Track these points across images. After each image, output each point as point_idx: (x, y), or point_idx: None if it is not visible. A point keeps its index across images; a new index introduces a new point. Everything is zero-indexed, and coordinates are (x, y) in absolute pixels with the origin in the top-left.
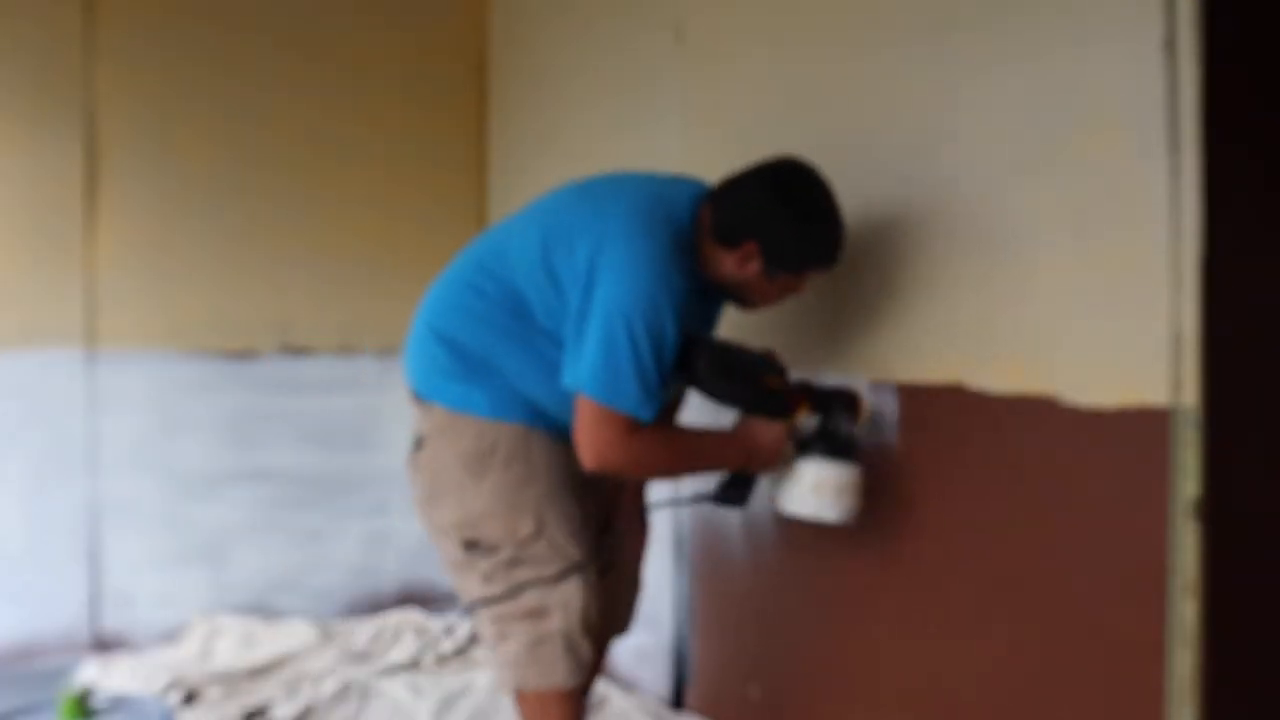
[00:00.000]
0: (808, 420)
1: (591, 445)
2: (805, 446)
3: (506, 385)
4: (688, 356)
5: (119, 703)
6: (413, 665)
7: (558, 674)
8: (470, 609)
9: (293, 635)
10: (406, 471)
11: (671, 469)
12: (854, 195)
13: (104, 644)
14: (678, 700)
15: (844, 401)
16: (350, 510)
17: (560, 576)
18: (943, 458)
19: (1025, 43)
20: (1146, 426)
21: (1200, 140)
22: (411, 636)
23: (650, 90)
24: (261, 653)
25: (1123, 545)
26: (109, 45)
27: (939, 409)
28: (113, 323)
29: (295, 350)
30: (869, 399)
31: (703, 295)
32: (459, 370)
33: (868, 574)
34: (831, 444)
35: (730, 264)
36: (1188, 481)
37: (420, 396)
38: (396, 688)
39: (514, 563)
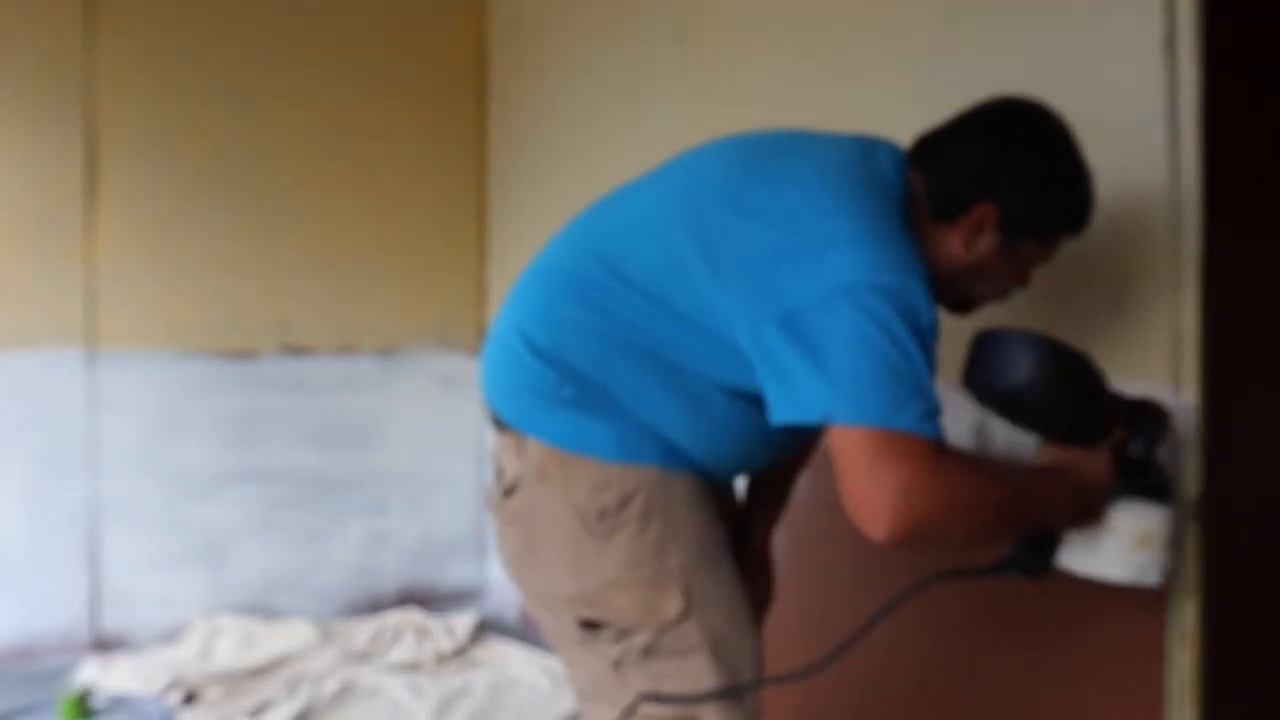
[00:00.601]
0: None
1: (885, 495)
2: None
3: (632, 417)
4: (1008, 358)
5: (119, 703)
6: (413, 665)
7: None
8: (582, 692)
9: (293, 635)
10: (493, 519)
11: (997, 521)
12: None
13: (104, 644)
14: None
15: (1156, 418)
16: (350, 510)
17: (718, 681)
18: None
19: (1025, 42)
20: None
21: (1200, 140)
22: (412, 637)
23: (650, 92)
24: (261, 653)
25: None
26: (108, 45)
27: None
28: (113, 323)
29: (295, 350)
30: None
31: None
32: (571, 396)
33: (867, 571)
34: (1150, 479)
35: (956, 243)
36: (1188, 481)
37: (509, 425)
38: (397, 688)
39: (652, 651)
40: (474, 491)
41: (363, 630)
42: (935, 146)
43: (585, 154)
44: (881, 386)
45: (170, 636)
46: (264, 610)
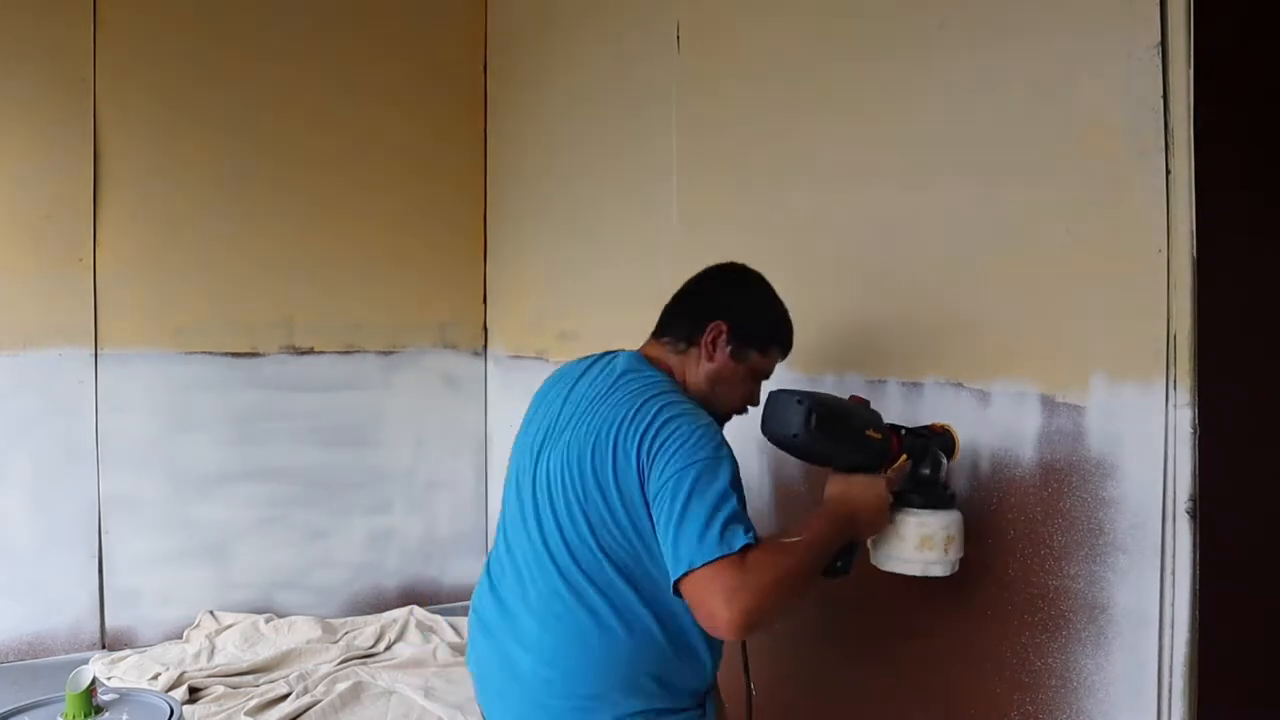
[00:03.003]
0: (904, 467)
1: (725, 609)
2: (901, 496)
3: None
4: (785, 414)
5: (124, 698)
6: (418, 663)
7: None
8: None
9: (296, 632)
10: None
11: (802, 581)
12: (853, 197)
13: (110, 640)
14: None
15: (939, 441)
16: (353, 508)
17: None
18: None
19: (1021, 44)
20: (1141, 425)
21: (1191, 141)
22: (415, 634)
23: (647, 96)
24: (265, 649)
25: (1120, 543)
26: (116, 57)
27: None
28: (121, 324)
29: (299, 350)
30: (959, 431)
31: None
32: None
33: (865, 571)
34: (931, 492)
35: (700, 359)
36: (1182, 480)
37: None
38: (400, 685)
39: None
40: (475, 490)
41: (366, 627)
42: (671, 307)
43: (584, 157)
44: (712, 523)
45: (175, 633)
46: (268, 607)
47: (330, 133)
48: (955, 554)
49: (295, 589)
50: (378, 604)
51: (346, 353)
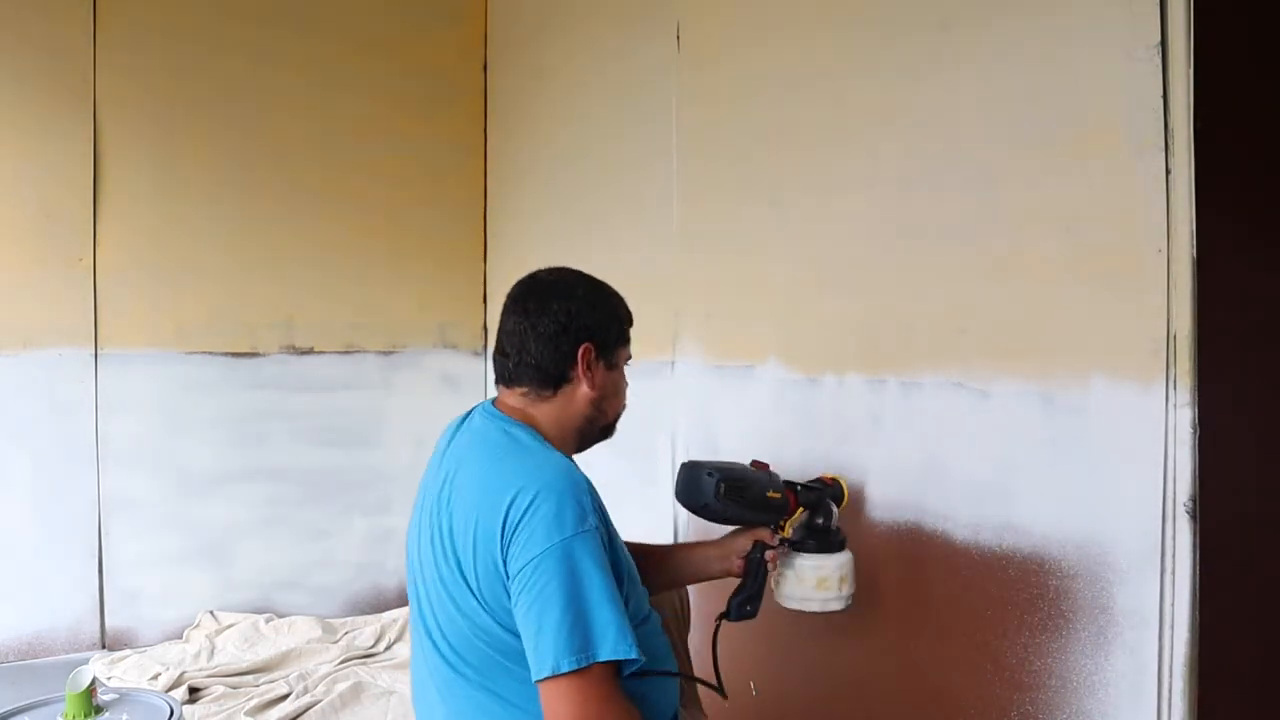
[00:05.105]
0: (800, 518)
1: None
2: (799, 543)
3: None
4: (698, 485)
5: (124, 698)
6: None
7: None
8: None
9: (296, 632)
10: None
11: None
12: (852, 197)
13: (110, 640)
14: None
15: (829, 492)
16: (353, 508)
17: None
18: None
19: (1021, 44)
20: (1141, 425)
21: (1191, 141)
22: None
23: (646, 96)
24: (265, 650)
25: (1120, 543)
26: (115, 56)
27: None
28: (120, 324)
29: (299, 350)
30: (848, 480)
31: None
32: None
33: (864, 571)
34: (824, 538)
35: (576, 390)
36: (1182, 480)
37: None
38: (400, 685)
39: None
40: None
41: (367, 627)
42: (510, 349)
43: (584, 156)
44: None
45: (176, 633)
46: (268, 607)
47: (330, 133)
48: (849, 590)
49: (295, 589)
50: (378, 604)
51: (346, 353)
